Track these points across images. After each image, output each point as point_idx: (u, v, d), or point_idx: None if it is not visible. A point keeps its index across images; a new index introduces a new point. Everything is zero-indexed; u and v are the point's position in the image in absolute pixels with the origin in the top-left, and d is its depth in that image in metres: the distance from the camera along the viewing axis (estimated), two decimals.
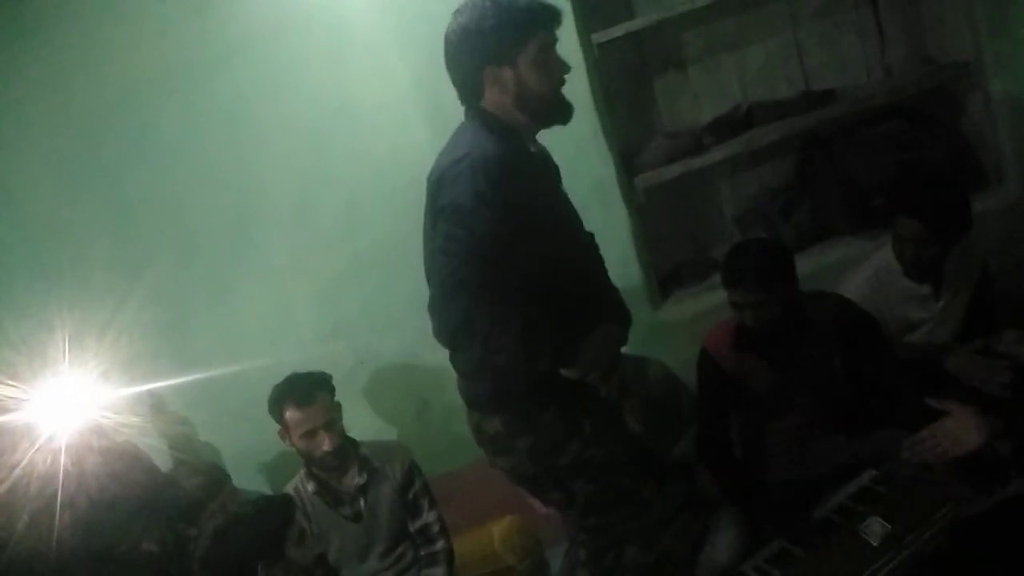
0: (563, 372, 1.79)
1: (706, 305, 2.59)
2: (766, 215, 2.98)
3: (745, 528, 2.28)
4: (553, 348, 1.75)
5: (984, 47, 2.68)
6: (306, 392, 2.33)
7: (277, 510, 2.08)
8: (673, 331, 2.77)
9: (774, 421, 2.39)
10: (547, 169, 1.89)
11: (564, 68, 1.76)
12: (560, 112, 1.79)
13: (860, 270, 2.42)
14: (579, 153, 2.55)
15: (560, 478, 1.90)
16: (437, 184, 1.70)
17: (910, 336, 2.41)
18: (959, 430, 1.66)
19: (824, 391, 2.36)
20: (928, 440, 1.70)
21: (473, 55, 1.70)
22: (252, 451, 2.71)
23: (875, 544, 1.99)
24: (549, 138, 1.87)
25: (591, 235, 2.01)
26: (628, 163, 2.76)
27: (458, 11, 1.72)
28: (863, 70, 2.97)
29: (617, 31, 2.62)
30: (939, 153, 2.71)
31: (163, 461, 2.49)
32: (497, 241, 1.64)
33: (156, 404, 2.61)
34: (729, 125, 2.84)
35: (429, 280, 1.76)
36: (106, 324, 2.34)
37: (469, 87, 1.75)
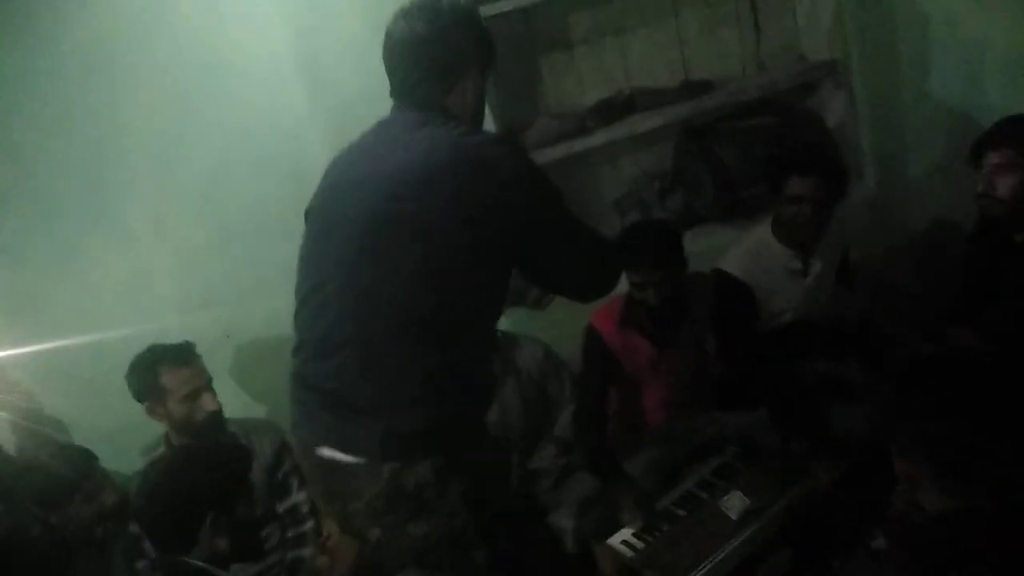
0: None
1: None
2: (642, 200, 3.04)
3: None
4: None
5: (850, 48, 2.82)
6: (183, 352, 2.25)
7: (237, 458, 1.91)
8: (553, 308, 2.76)
9: (649, 396, 2.47)
10: None
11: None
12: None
13: (737, 246, 2.53)
14: None
15: (488, 529, 1.63)
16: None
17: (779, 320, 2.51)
18: None
19: (696, 368, 2.47)
20: None
21: (465, 46, 1.62)
22: (103, 427, 2.52)
23: (735, 518, 2.08)
24: None
25: None
26: (513, 140, 2.73)
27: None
28: (739, 63, 3.06)
29: (506, 5, 2.57)
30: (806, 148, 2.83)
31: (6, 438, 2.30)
32: None
33: None
34: (612, 109, 2.86)
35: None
36: None
37: (440, 78, 1.62)
